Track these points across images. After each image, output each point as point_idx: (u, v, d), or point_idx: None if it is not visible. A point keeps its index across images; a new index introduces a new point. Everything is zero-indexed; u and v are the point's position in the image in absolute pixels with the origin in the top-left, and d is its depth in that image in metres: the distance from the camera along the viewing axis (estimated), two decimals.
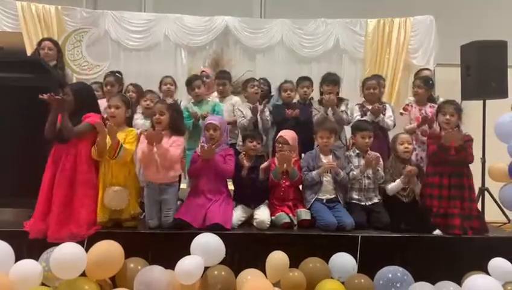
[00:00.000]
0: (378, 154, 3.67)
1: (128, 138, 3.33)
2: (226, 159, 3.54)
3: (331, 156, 3.68)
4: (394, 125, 4.34)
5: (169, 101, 3.98)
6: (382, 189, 3.72)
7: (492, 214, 4.62)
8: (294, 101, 4.43)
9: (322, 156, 3.69)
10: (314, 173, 3.57)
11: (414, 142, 4.20)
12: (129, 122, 3.56)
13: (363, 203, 3.63)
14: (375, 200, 3.67)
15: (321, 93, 4.43)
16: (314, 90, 4.53)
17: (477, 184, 4.52)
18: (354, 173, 3.64)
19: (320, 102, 4.25)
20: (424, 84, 4.36)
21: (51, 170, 3.19)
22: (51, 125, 3.14)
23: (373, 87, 4.28)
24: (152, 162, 3.32)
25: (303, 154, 3.92)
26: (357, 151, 3.75)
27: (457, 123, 3.53)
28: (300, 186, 3.79)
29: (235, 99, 4.42)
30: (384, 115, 4.17)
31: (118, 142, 3.18)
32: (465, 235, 3.32)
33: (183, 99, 4.71)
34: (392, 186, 3.58)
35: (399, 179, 3.55)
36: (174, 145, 3.39)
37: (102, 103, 4.02)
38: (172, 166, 3.39)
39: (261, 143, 3.72)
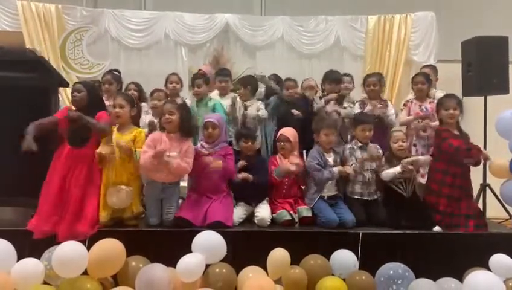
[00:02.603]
0: (380, 152, 3.65)
1: (138, 144, 3.34)
2: (226, 159, 3.53)
3: (331, 153, 3.69)
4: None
5: (178, 100, 3.97)
6: (381, 185, 3.70)
7: (493, 210, 4.62)
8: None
9: (325, 153, 3.66)
10: (335, 169, 3.55)
11: (415, 137, 4.23)
12: (135, 121, 3.56)
13: (365, 198, 3.64)
14: (375, 196, 3.68)
15: (323, 91, 4.45)
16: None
17: (478, 180, 4.53)
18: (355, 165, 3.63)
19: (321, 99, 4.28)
20: (426, 80, 4.39)
21: (61, 172, 3.21)
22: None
23: (373, 84, 4.33)
24: (154, 168, 3.31)
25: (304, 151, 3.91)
26: (360, 144, 3.73)
27: (459, 117, 3.55)
28: None
29: (234, 96, 4.41)
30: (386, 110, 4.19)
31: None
32: (467, 232, 3.33)
33: (188, 97, 4.71)
34: (388, 172, 3.54)
35: (398, 167, 3.52)
36: (187, 154, 3.34)
37: None
38: (182, 174, 3.40)
39: (254, 142, 3.73)
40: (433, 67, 5.06)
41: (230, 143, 3.94)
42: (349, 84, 4.62)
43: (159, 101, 4.06)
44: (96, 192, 3.25)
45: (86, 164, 3.24)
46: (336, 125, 3.75)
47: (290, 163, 3.61)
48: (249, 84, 4.40)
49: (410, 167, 3.47)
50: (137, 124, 3.61)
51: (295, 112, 4.14)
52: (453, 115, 3.52)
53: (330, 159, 3.64)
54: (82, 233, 3.06)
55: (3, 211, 3.59)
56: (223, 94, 4.39)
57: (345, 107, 4.30)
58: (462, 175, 3.49)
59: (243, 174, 3.51)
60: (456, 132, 3.55)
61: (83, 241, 2.88)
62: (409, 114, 4.38)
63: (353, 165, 3.63)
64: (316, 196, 3.58)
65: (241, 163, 3.56)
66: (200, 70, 4.97)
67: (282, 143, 3.71)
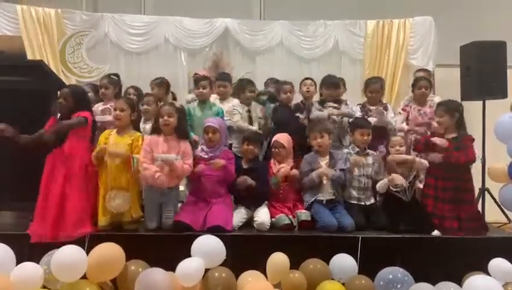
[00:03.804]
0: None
1: (136, 150, 3.34)
2: (227, 163, 3.52)
3: (328, 157, 3.68)
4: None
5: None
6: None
7: (492, 214, 4.62)
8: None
9: (320, 158, 3.68)
10: (314, 174, 3.55)
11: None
12: (135, 125, 3.56)
13: (362, 203, 3.65)
14: (373, 200, 3.70)
15: (321, 95, 4.46)
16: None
17: (477, 184, 4.53)
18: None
19: (320, 103, 4.28)
20: (429, 84, 4.40)
21: (47, 175, 3.22)
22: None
23: (376, 91, 4.31)
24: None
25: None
26: (357, 149, 3.74)
27: (451, 122, 3.56)
28: None
29: (235, 101, 4.42)
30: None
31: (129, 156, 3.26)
32: (465, 236, 3.33)
33: (179, 100, 4.72)
34: (380, 184, 3.57)
35: (386, 179, 3.54)
36: (185, 155, 3.38)
37: (97, 107, 4.05)
38: (183, 176, 3.43)
39: (258, 147, 3.75)
40: (428, 72, 5.07)
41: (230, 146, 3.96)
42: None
43: (149, 105, 4.09)
44: (83, 195, 3.21)
45: (62, 164, 3.20)
46: (326, 128, 3.75)
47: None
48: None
49: (397, 179, 3.50)
50: (137, 128, 3.61)
51: (300, 115, 4.17)
52: (439, 122, 3.63)
53: (323, 163, 3.64)
54: (68, 235, 3.04)
55: (2, 215, 3.59)
56: (222, 99, 4.40)
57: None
58: (444, 178, 3.49)
59: (248, 180, 3.53)
60: (450, 135, 3.56)
61: (82, 246, 2.87)
62: (407, 119, 4.36)
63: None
64: (310, 199, 3.58)
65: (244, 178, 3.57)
66: (195, 74, 4.97)
67: (277, 149, 3.73)
